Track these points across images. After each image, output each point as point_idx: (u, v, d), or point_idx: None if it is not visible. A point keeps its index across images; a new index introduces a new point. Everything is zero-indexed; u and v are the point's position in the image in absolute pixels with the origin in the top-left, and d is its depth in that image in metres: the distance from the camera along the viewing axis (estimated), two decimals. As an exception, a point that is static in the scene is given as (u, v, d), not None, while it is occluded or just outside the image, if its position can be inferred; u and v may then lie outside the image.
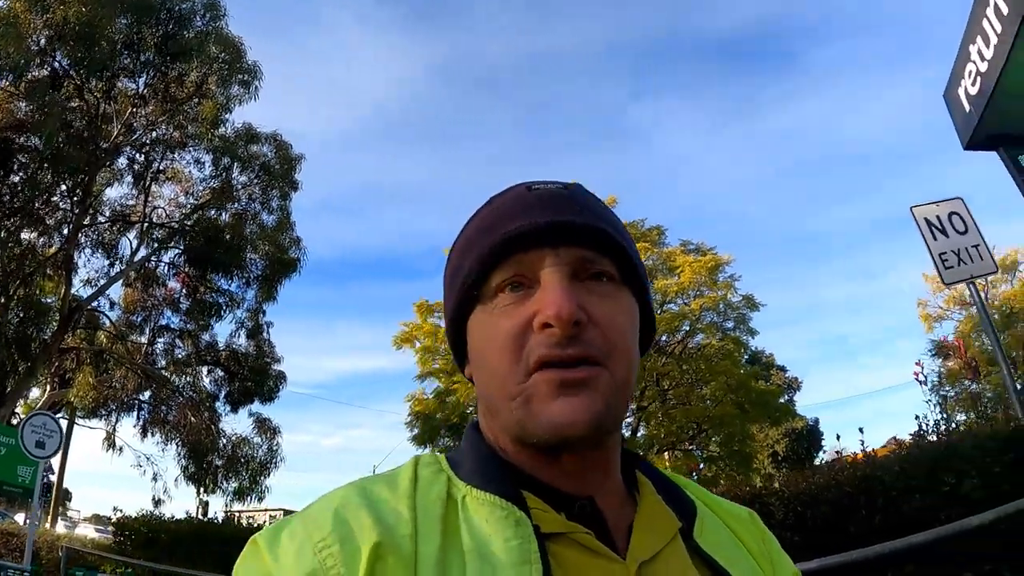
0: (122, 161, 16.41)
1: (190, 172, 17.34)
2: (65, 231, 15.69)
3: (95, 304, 17.08)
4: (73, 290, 15.89)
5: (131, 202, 17.22)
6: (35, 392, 18.54)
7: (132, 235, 17.10)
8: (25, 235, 15.21)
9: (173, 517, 10.72)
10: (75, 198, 15.32)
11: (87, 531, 22.05)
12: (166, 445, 17.21)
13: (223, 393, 18.35)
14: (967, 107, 3.62)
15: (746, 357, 18.18)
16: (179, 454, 16.93)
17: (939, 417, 5.49)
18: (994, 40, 3.10)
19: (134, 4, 13.95)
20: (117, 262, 17.17)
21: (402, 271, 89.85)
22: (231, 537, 9.79)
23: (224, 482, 16.79)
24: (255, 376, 18.02)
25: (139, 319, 18.40)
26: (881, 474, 4.53)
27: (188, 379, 18.15)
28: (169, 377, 17.84)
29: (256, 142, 17.02)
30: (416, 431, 15.71)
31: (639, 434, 15.62)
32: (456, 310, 0.69)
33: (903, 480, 4.35)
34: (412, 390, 16.14)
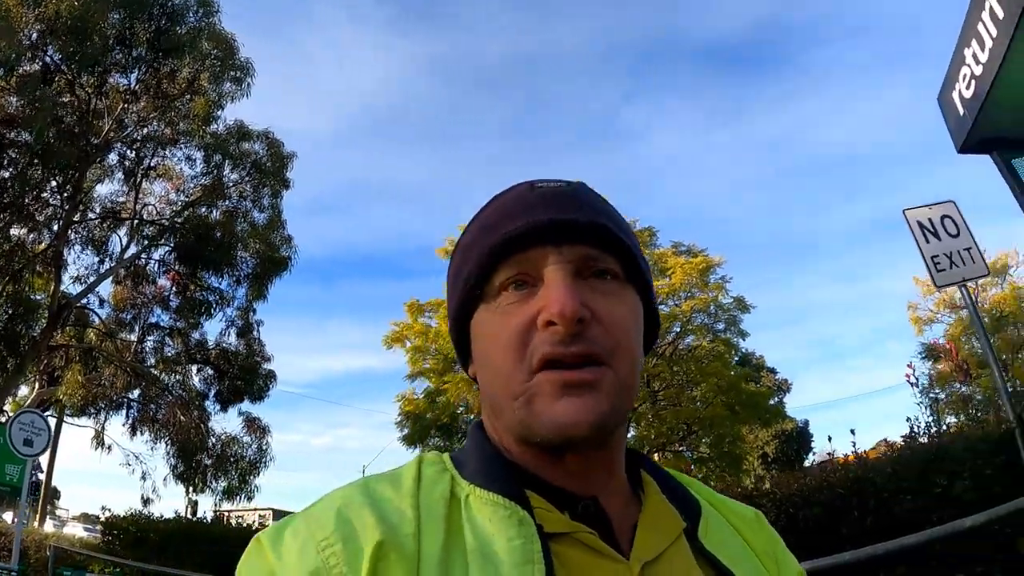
0: (113, 157, 16.30)
1: (181, 169, 17.25)
2: (55, 227, 15.58)
3: (85, 301, 16.98)
4: (62, 287, 15.80)
5: (121, 199, 17.10)
6: (24, 390, 18.38)
7: (122, 232, 17.00)
8: (14, 231, 15.07)
9: (162, 516, 10.67)
10: (65, 194, 15.20)
11: (76, 530, 21.92)
12: (155, 444, 17.14)
13: (213, 392, 18.29)
14: (961, 110, 3.63)
15: (736, 359, 18.23)
16: (168, 453, 16.86)
17: (930, 419, 5.54)
18: (989, 44, 3.11)
19: (127, -2, 13.88)
20: (107, 259, 17.06)
21: (393, 270, 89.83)
22: (220, 537, 9.77)
23: (213, 481, 16.73)
24: (245, 375, 17.94)
25: (129, 317, 18.31)
26: (873, 476, 4.56)
27: (178, 377, 18.08)
28: (158, 375, 17.75)
29: (248, 139, 16.94)
30: (406, 431, 15.68)
31: (629, 435, 15.61)
32: (459, 309, 0.68)
33: (895, 482, 4.38)
34: (402, 390, 16.13)
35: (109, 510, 10.44)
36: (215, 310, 17.91)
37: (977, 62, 3.28)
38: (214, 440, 16.86)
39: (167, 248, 17.15)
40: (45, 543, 11.75)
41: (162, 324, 18.49)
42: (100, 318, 17.79)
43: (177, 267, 17.32)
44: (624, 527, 0.62)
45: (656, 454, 16.14)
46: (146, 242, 17.01)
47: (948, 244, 5.12)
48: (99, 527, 11.70)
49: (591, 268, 0.63)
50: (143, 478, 17.08)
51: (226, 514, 14.85)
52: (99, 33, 13.63)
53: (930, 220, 5.22)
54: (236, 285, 17.68)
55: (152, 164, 16.79)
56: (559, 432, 0.58)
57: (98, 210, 16.94)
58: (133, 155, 16.45)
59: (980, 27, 3.14)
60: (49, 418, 12.81)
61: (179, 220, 16.65)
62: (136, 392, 17.63)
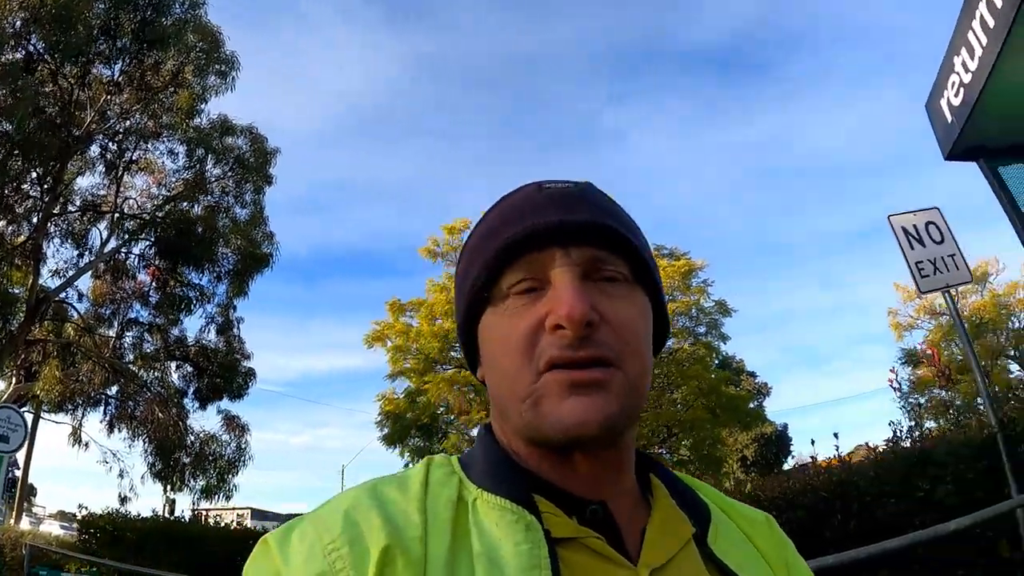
0: (94, 150, 16.10)
1: (163, 163, 17.08)
2: (34, 220, 15.33)
3: (63, 295, 16.75)
4: (41, 281, 15.57)
5: (102, 192, 16.89)
6: (0, 384, 18.09)
7: (102, 226, 16.78)
8: (-7, 223, 14.83)
9: (139, 515, 10.52)
10: (45, 186, 14.97)
11: (52, 528, 21.66)
12: (133, 441, 16.90)
13: (191, 389, 18.08)
14: (949, 118, 3.66)
15: (717, 362, 18.37)
16: (146, 451, 16.62)
17: (910, 424, 5.61)
18: (979, 52, 3.15)
19: (112, -13, 13.73)
20: (87, 253, 16.88)
21: (376, 270, 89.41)
22: (198, 536, 9.69)
23: (191, 480, 16.51)
24: (224, 372, 17.75)
25: (107, 312, 18.06)
26: (856, 479, 4.59)
27: (156, 374, 17.82)
28: (137, 372, 17.49)
29: (231, 134, 16.82)
30: (386, 431, 15.57)
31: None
32: (467, 312, 0.68)
33: (878, 486, 4.41)
34: (382, 389, 16.01)
35: (86, 508, 10.26)
36: (195, 306, 17.74)
37: (966, 70, 3.31)
38: (192, 438, 16.66)
39: (147, 243, 16.97)
40: (21, 541, 11.56)
41: (141, 320, 18.26)
42: (79, 313, 17.54)
43: (157, 262, 17.12)
44: (633, 532, 0.62)
45: (637, 456, 16.21)
46: (126, 236, 16.82)
47: (932, 250, 5.17)
48: (76, 525, 11.52)
49: (599, 270, 0.62)
50: (120, 476, 16.85)
51: (204, 513, 14.68)
52: (83, 22, 13.47)
53: (915, 226, 5.28)
54: (217, 281, 17.53)
55: (134, 157, 16.58)
56: (566, 432, 0.57)
57: (78, 203, 16.72)
58: (115, 148, 16.25)
59: (970, 35, 3.17)
60: (26, 414, 12.59)
61: (160, 214, 16.48)
62: (114, 388, 17.42)
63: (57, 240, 16.46)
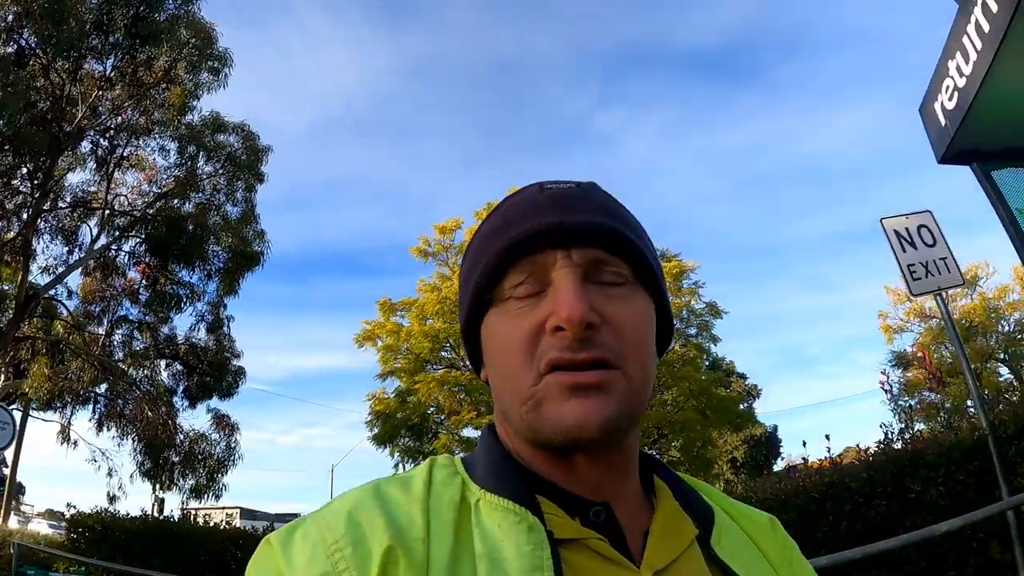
0: (85, 145, 15.93)
1: (154, 160, 16.90)
2: (24, 216, 15.17)
3: (53, 292, 16.55)
4: (30, 277, 15.40)
5: (93, 188, 16.73)
6: (-12, 382, 17.93)
7: (93, 222, 16.61)
8: (-18, 219, 14.71)
9: (128, 515, 10.42)
10: (35, 182, 14.83)
11: (40, 527, 21.51)
12: (122, 440, 16.73)
13: (181, 388, 17.95)
14: (943, 121, 3.68)
15: (707, 363, 18.43)
16: (135, 449, 16.46)
17: (900, 426, 5.64)
18: (974, 57, 3.17)
19: (105, -19, 13.62)
20: (76, 250, 16.71)
21: (366, 269, 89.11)
22: (187, 535, 9.62)
23: (181, 479, 16.37)
24: (214, 371, 17.63)
25: (97, 309, 17.92)
26: (848, 481, 4.61)
27: (146, 372, 17.68)
28: (126, 370, 17.35)
29: (223, 131, 16.68)
30: (376, 431, 15.54)
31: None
32: (470, 313, 0.68)
33: (869, 487, 4.43)
34: (373, 389, 15.99)
35: (74, 507, 10.15)
36: (185, 304, 17.55)
37: (961, 74, 3.33)
38: (182, 437, 16.53)
39: (138, 240, 16.78)
40: (9, 540, 11.47)
41: (131, 318, 18.11)
42: (68, 310, 17.37)
43: (148, 259, 16.95)
44: (636, 534, 0.62)
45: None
46: (117, 233, 16.64)
47: (924, 253, 5.21)
48: (64, 524, 11.43)
49: (601, 271, 0.62)
50: (109, 475, 16.66)
51: (193, 513, 14.61)
52: (76, 17, 13.33)
53: (907, 229, 5.31)
54: (207, 279, 17.37)
55: (125, 154, 16.44)
56: (566, 434, 0.57)
57: (69, 199, 16.55)
58: (106, 144, 16.11)
59: (965, 40, 3.19)
60: (14, 412, 12.49)
61: (151, 212, 16.31)
62: (103, 387, 17.24)
63: (47, 236, 16.33)
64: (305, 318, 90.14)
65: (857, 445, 5.83)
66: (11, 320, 14.43)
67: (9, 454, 19.94)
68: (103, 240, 16.58)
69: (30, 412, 18.73)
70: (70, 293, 17.75)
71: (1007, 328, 22.92)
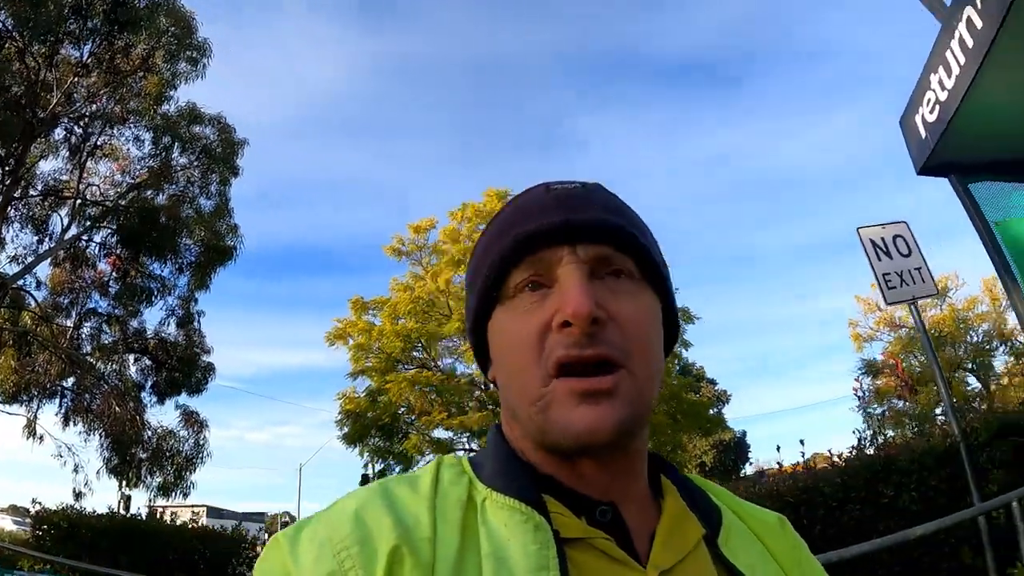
0: (59, 133, 15.56)
1: (128, 149, 16.56)
2: (-7, 203, 14.83)
3: (21, 283, 16.15)
4: (-1, 267, 15.04)
5: (65, 177, 16.34)
6: (-47, 374, 17.44)
7: (64, 212, 16.24)
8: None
9: (94, 512, 10.21)
10: (7, 168, 14.49)
11: (5, 523, 21.00)
12: (88, 435, 16.32)
13: (149, 383, 17.56)
14: (923, 134, 3.75)
15: (678, 368, 18.59)
16: (102, 445, 16.09)
17: (869, 433, 5.73)
18: (956, 71, 3.23)
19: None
20: (47, 239, 16.32)
21: (339, 267, 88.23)
22: (154, 534, 9.47)
23: (148, 476, 16.08)
24: (183, 367, 17.32)
25: (66, 301, 17.48)
26: (822, 486, 4.67)
27: (114, 367, 17.34)
28: (94, 364, 17.03)
29: (199, 123, 16.44)
30: (346, 430, 15.39)
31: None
32: (477, 311, 0.68)
33: (843, 492, 4.49)
34: (343, 388, 15.78)
35: (39, 503, 9.90)
36: (155, 298, 17.23)
37: (943, 88, 3.39)
38: (150, 433, 16.22)
39: (109, 231, 16.47)
40: (-30, 536, 11.17)
41: (100, 310, 17.67)
42: (36, 301, 16.94)
43: (118, 251, 16.63)
44: (642, 533, 0.62)
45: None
46: (88, 223, 16.32)
47: (899, 263, 5.30)
48: (29, 521, 11.14)
49: (606, 268, 0.63)
50: (75, 471, 16.21)
51: (160, 510, 14.34)
52: (55, 0, 13.05)
53: (883, 239, 5.41)
54: (178, 273, 17.08)
55: (99, 142, 16.09)
56: (577, 439, 0.58)
57: (40, 187, 16.18)
58: (80, 131, 15.74)
59: (948, 54, 3.25)
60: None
61: (123, 202, 16.01)
62: (70, 380, 16.84)
63: (17, 225, 15.93)
64: (276, 315, 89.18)
65: (829, 451, 5.92)
66: (-23, 310, 14.10)
67: (-29, 448, 19.45)
68: (74, 230, 16.25)
69: (-5, 405, 18.30)
70: (39, 284, 17.28)
71: (975, 339, 23.48)
